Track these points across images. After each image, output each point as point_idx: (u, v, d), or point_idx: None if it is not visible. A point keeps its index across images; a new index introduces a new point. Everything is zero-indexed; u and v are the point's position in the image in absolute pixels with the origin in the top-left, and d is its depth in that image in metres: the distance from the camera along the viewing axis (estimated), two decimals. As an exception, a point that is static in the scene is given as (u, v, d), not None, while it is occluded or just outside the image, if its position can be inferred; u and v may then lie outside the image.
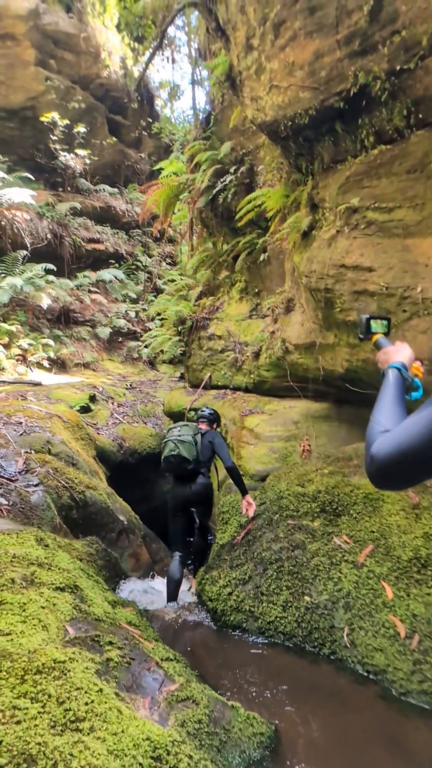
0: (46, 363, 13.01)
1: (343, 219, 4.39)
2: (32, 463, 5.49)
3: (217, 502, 5.56)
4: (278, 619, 3.91)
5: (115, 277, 17.32)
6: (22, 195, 14.19)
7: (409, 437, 1.22)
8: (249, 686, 3.42)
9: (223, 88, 7.34)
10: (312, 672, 3.51)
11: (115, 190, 19.14)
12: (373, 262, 4.16)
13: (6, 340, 12.34)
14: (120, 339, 16.69)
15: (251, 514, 4.77)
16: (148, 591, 5.20)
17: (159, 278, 18.60)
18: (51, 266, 14.47)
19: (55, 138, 16.20)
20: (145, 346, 12.16)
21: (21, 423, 6.43)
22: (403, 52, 3.48)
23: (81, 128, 16.67)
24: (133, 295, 18.01)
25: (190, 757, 2.26)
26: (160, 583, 5.55)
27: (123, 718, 2.29)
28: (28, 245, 14.64)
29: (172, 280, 11.13)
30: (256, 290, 7.77)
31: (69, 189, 17.69)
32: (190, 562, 5.35)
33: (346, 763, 2.71)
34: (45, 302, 13.55)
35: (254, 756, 2.61)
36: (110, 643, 2.91)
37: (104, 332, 15.87)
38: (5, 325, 12.54)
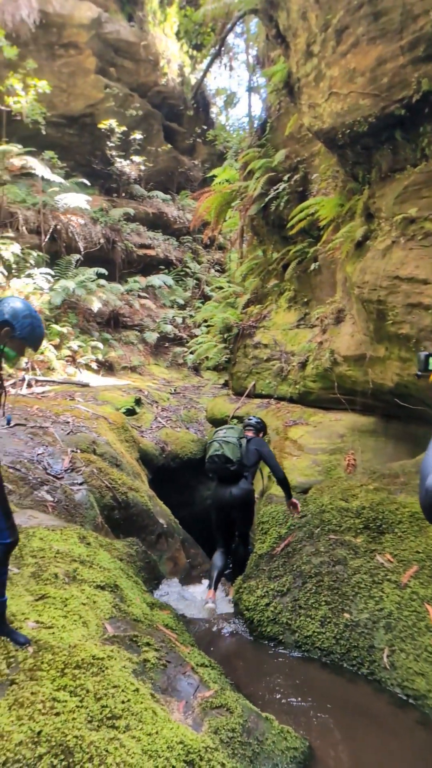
0: (94, 365, 13.28)
1: (399, 229, 4.30)
2: (78, 462, 5.61)
3: (258, 511, 5.52)
4: (316, 634, 3.84)
5: (164, 283, 17.53)
6: (78, 200, 14.59)
7: None
8: (283, 700, 3.37)
9: (280, 96, 7.35)
10: (349, 691, 3.43)
11: (168, 196, 19.43)
12: (429, 274, 4.06)
13: (57, 341, 12.69)
14: (166, 344, 16.87)
15: (298, 510, 4.88)
16: (185, 596, 5.21)
17: (207, 285, 18.72)
18: (103, 270, 14.78)
19: (111, 144, 16.58)
20: (191, 352, 12.24)
21: (68, 422, 6.58)
22: (470, 60, 3.39)
23: (137, 135, 17.01)
24: (181, 301, 18.19)
25: (223, 765, 2.25)
26: (196, 590, 5.55)
27: (158, 719, 2.30)
28: (82, 249, 15.02)
29: (220, 288, 11.16)
30: (305, 300, 7.70)
31: (123, 195, 18.07)
32: (230, 567, 5.33)
33: (382, 788, 2.63)
34: (96, 305, 13.85)
35: (287, 771, 2.57)
36: (147, 644, 2.93)
37: (152, 337, 16.08)
38: (57, 327, 12.89)
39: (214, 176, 9.72)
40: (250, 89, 11.73)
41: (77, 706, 2.17)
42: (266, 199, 7.49)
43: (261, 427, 5.57)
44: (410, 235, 4.21)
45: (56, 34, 15.49)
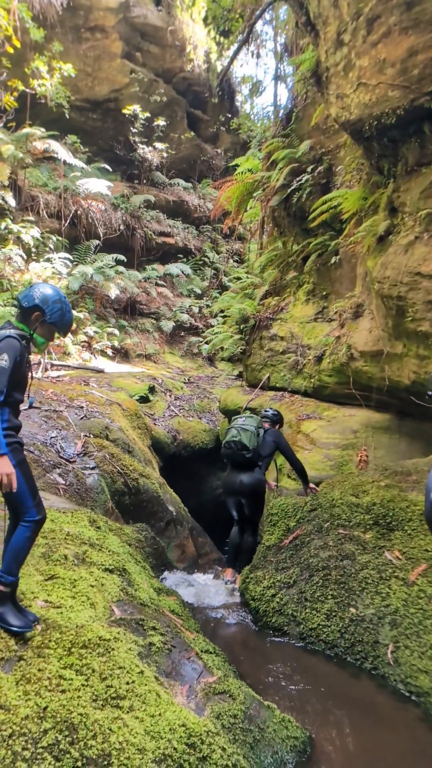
0: (109, 351, 13.34)
1: (423, 225, 4.24)
2: (90, 447, 5.66)
3: (268, 502, 5.53)
4: (321, 627, 3.85)
5: (182, 272, 17.50)
6: (99, 185, 14.57)
7: None
8: (286, 690, 3.39)
9: (307, 85, 7.25)
10: (352, 685, 3.44)
11: (189, 184, 19.33)
12: (452, 271, 4.01)
13: (74, 326, 12.76)
14: (182, 333, 16.87)
15: (317, 491, 5.02)
16: (191, 583, 5.24)
17: (225, 275, 18.66)
18: (121, 257, 14.78)
19: (135, 130, 16.50)
20: (206, 342, 12.23)
21: (82, 407, 6.63)
22: None
23: (161, 122, 16.91)
24: (198, 291, 18.15)
25: (224, 749, 2.27)
26: (203, 577, 5.59)
27: (161, 702, 2.33)
28: (101, 235, 15.03)
29: (238, 278, 11.11)
30: (324, 293, 7.64)
31: (144, 182, 18.02)
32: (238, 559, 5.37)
33: (381, 782, 2.64)
34: (113, 292, 13.88)
35: (287, 759, 2.59)
36: (153, 628, 2.96)
37: (167, 326, 16.09)
38: (74, 312, 12.96)
39: (237, 165, 9.64)
40: (277, 78, 11.55)
41: (83, 685, 2.20)
42: (289, 191, 7.42)
43: (278, 420, 5.59)
44: (434, 231, 4.16)
45: (83, 17, 15.41)
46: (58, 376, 9.44)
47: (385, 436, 5.79)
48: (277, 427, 5.53)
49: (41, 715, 1.96)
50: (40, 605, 2.70)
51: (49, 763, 1.82)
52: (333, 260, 6.95)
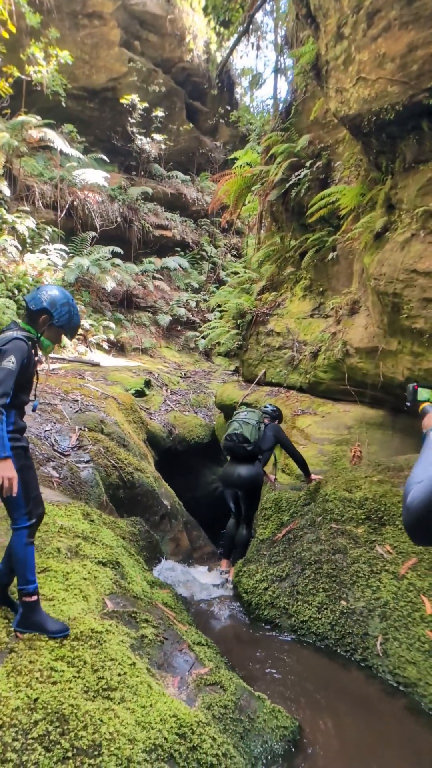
0: (105, 345, 13.32)
1: (420, 222, 4.25)
2: (85, 441, 5.66)
3: (262, 496, 5.56)
4: (312, 619, 3.89)
5: (180, 266, 17.46)
6: (96, 176, 14.47)
7: None
8: (277, 681, 3.43)
9: (307, 78, 7.21)
10: (341, 676, 3.48)
11: (188, 177, 19.24)
12: (447, 268, 4.02)
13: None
14: (179, 327, 16.85)
15: (320, 479, 5.08)
16: (185, 576, 5.27)
17: (223, 270, 18.62)
18: (118, 249, 14.70)
19: (132, 121, 16.37)
20: (203, 337, 12.24)
21: (77, 401, 6.63)
22: None
23: (159, 112, 16.78)
24: (196, 285, 18.12)
25: (214, 739, 2.30)
26: (197, 571, 5.62)
27: (152, 693, 2.35)
28: (98, 227, 14.95)
29: (236, 273, 11.10)
30: (321, 289, 7.65)
31: (142, 173, 17.92)
32: (231, 553, 5.43)
33: (368, 772, 2.68)
34: (109, 285, 13.83)
35: (276, 748, 2.62)
36: (146, 620, 2.99)
37: (164, 319, 16.07)
38: (70, 304, 12.91)
39: (236, 159, 9.61)
40: (277, 70, 11.49)
41: (74, 677, 2.22)
42: (287, 185, 7.40)
43: (276, 415, 5.72)
44: (430, 229, 4.16)
45: (81, 2, 15.19)
46: (53, 369, 9.43)
47: (378, 432, 5.82)
48: (276, 422, 5.64)
49: (32, 706, 1.98)
50: (33, 597, 2.71)
51: (40, 754, 1.84)
52: (330, 256, 6.95)
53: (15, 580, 2.47)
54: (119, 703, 2.21)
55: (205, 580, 5.27)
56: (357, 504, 4.51)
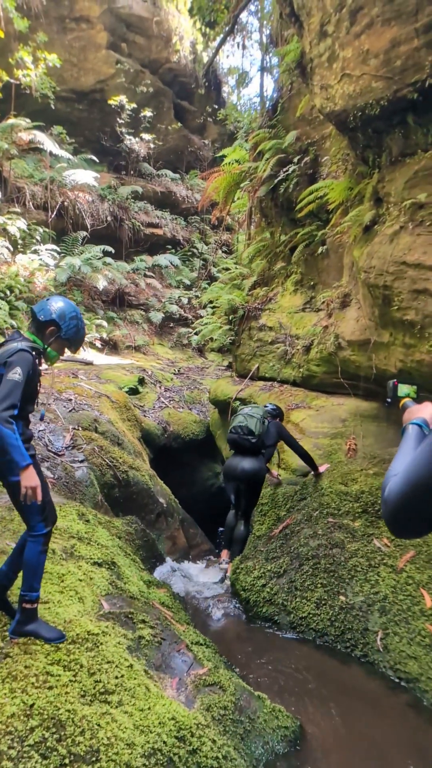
0: (98, 343, 13.26)
1: (407, 215, 4.24)
2: (79, 440, 5.63)
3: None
4: (311, 615, 3.88)
5: (171, 263, 17.41)
6: (86, 177, 14.43)
7: (415, 470, 1.15)
8: (277, 679, 3.42)
9: (292, 76, 7.19)
10: (342, 672, 3.47)
11: (177, 175, 19.18)
12: (437, 260, 4.00)
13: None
14: (171, 324, 16.80)
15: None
16: (183, 574, 5.26)
17: (214, 266, 18.56)
18: (109, 248, 14.66)
19: (121, 121, 16.34)
20: (195, 333, 12.19)
21: (71, 400, 6.60)
22: None
23: (147, 112, 16.75)
24: (187, 282, 18.07)
25: (214, 741, 2.29)
26: (194, 568, 5.61)
27: (150, 695, 2.34)
28: (89, 226, 14.89)
29: (227, 269, 11.05)
30: (312, 283, 7.63)
31: (132, 173, 17.86)
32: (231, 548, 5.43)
33: (370, 768, 2.67)
34: (101, 284, 13.78)
35: (277, 749, 2.61)
36: (143, 621, 2.97)
37: (157, 317, 16.02)
38: (62, 304, 12.86)
39: (224, 156, 9.56)
40: (263, 69, 11.46)
41: (70, 681, 2.20)
42: (275, 181, 7.38)
43: (278, 414, 5.77)
44: (418, 221, 4.15)
45: (68, 7, 15.23)
46: (46, 368, 9.38)
47: (373, 425, 5.81)
48: (278, 420, 5.66)
49: (28, 712, 1.96)
50: (28, 601, 2.69)
51: (36, 762, 1.82)
52: (320, 250, 6.93)
53: (15, 583, 2.46)
54: (117, 707, 2.20)
55: (203, 578, 5.26)
56: (353, 497, 4.51)
